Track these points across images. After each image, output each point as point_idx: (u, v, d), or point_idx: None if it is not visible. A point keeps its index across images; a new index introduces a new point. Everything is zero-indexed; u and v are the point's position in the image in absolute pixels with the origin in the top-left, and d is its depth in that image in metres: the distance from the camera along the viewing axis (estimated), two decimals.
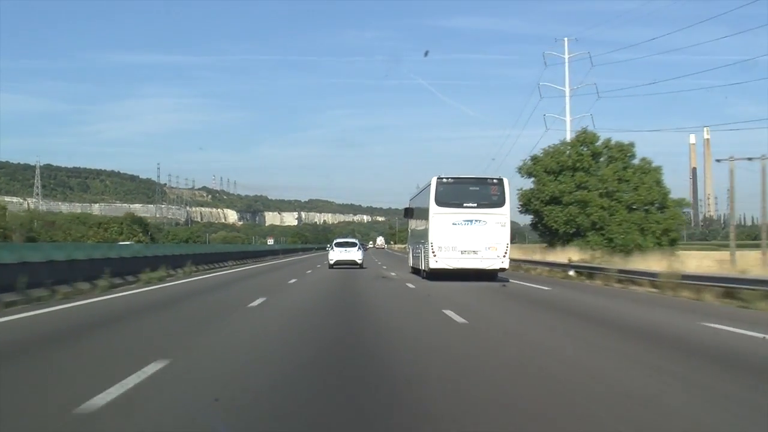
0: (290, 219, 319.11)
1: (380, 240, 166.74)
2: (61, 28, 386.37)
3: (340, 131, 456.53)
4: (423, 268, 24.92)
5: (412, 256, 29.62)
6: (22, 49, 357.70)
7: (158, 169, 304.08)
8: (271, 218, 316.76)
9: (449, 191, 23.48)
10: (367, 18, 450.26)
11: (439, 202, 23.29)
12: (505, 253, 23.08)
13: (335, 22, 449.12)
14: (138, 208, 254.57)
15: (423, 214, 25.41)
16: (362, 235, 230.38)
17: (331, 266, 35.42)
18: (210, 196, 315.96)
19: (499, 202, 23.24)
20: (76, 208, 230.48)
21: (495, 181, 23.44)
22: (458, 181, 23.76)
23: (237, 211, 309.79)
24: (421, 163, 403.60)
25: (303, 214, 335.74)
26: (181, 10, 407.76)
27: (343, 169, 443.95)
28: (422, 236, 25.38)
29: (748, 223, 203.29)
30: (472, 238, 23.00)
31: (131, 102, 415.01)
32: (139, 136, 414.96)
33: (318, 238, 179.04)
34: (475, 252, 23.04)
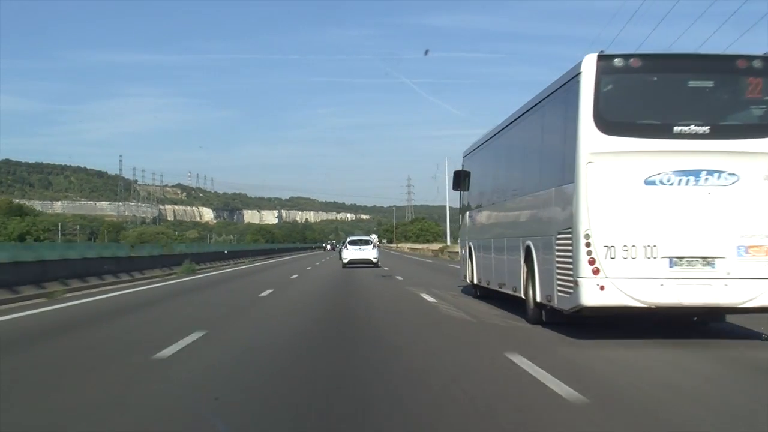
0: (270, 217, 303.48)
1: (373, 237, 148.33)
2: (43, 28, 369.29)
3: (324, 130, 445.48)
4: (541, 297, 9.67)
5: (478, 262, 14.57)
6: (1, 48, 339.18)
7: (120, 161, 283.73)
8: (250, 216, 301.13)
9: (634, 94, 8.77)
10: (351, 16, 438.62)
11: (608, 125, 8.42)
12: None
13: (319, 20, 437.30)
14: (105, 206, 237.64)
15: (537, 162, 10.49)
16: (346, 233, 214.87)
17: (345, 266, 32.89)
18: (184, 194, 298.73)
19: None
20: (36, 206, 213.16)
21: (757, 64, 8.53)
22: (657, 65, 8.90)
23: (213, 209, 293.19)
24: (407, 161, 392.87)
25: (284, 212, 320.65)
26: (163, 9, 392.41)
27: (326, 168, 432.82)
28: (534, 222, 10.43)
29: None
30: (697, 223, 8.30)
31: (112, 101, 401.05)
32: (120, 136, 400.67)
33: (292, 236, 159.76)
34: (707, 260, 8.28)
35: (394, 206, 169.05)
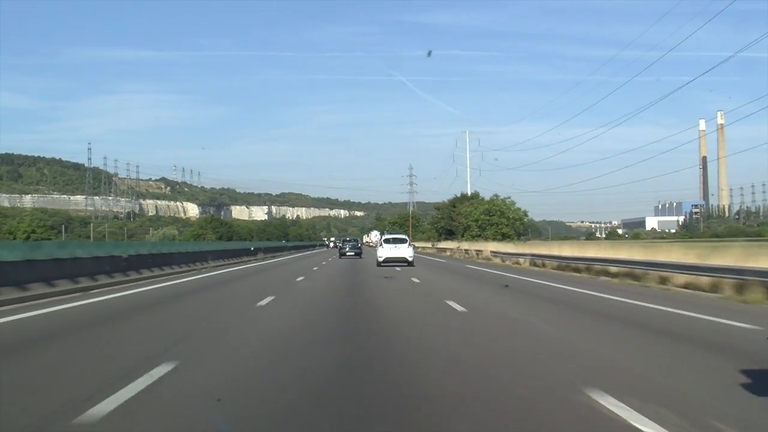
0: (260, 213, 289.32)
1: (375, 235, 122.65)
2: (37, 24, 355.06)
3: (319, 127, 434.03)
4: None
5: None
6: None
7: (89, 150, 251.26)
8: (239, 212, 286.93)
9: None
10: (349, 14, 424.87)
11: None
12: None
13: (316, 17, 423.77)
14: (80, 200, 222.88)
15: None
16: (339, 230, 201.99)
17: (380, 264, 33.75)
18: (168, 188, 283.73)
19: None
20: (2, 199, 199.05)
21: None
22: None
23: (199, 205, 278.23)
24: (401, 159, 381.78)
25: (274, 208, 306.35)
26: (157, 6, 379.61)
27: (321, 165, 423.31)
28: None
29: None
30: None
31: (104, 98, 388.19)
32: (111, 133, 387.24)
33: (267, 232, 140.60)
34: None
35: (391, 202, 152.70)
